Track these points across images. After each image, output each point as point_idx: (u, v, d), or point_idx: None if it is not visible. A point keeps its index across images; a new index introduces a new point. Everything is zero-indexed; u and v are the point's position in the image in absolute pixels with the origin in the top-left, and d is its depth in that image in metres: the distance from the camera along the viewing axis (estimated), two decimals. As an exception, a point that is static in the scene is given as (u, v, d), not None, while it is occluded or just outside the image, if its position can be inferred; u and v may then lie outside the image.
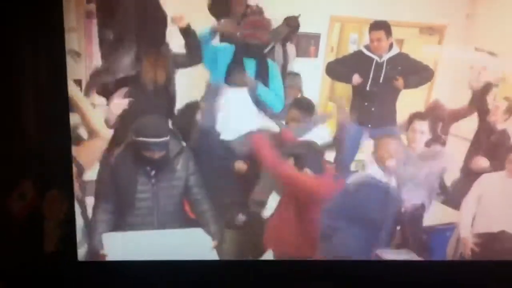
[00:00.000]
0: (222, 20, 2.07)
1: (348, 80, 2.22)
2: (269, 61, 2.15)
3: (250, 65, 2.13)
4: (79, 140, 2.00)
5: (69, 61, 1.88)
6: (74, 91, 1.93)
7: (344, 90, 2.28)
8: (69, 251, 1.99)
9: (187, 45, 2.01)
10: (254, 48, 2.10)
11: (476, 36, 2.29)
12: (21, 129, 1.89)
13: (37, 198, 1.94)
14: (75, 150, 1.95)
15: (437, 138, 2.28)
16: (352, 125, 2.21)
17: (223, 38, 2.10)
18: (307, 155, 2.01)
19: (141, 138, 2.00)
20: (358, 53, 2.21)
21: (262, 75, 2.14)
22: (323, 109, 2.36)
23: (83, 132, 2.00)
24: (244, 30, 2.08)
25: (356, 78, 2.19)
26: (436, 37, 2.27)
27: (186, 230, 2.14)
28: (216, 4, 2.07)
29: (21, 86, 1.86)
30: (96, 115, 1.99)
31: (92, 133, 1.99)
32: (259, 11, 2.07)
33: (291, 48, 2.19)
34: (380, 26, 2.13)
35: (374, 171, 2.13)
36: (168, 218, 2.12)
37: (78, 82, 1.97)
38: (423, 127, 2.17)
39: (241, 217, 2.23)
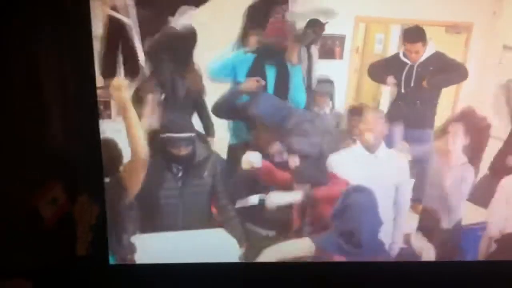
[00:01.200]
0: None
1: (383, 81, 2.22)
2: (289, 65, 2.15)
3: (270, 72, 2.14)
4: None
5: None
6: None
7: (370, 91, 2.26)
8: (100, 255, 2.01)
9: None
10: (275, 54, 2.11)
11: (504, 33, 2.24)
12: (51, 133, 1.93)
13: (68, 202, 1.96)
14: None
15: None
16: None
17: (247, 49, 2.12)
18: None
19: (167, 134, 2.03)
20: (395, 57, 2.20)
21: (283, 80, 2.15)
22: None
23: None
24: (268, 38, 2.09)
25: (391, 79, 2.18)
26: (464, 36, 2.24)
27: (213, 230, 2.16)
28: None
29: (50, 91, 1.89)
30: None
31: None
32: (282, 14, 2.07)
33: (315, 50, 2.18)
34: (417, 38, 2.12)
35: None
36: (195, 219, 2.14)
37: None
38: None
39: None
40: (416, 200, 2.33)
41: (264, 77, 2.14)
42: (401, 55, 2.19)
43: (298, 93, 2.19)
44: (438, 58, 2.17)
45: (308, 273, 2.14)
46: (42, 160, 1.91)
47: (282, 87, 2.17)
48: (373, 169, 2.15)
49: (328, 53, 2.20)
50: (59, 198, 1.97)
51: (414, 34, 2.12)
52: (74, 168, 1.95)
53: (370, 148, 2.14)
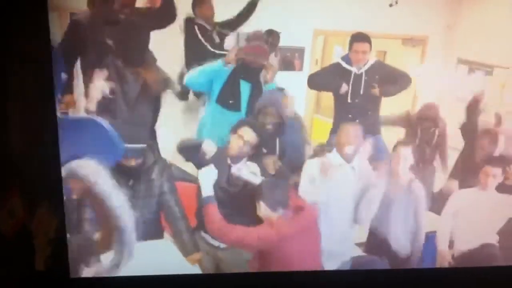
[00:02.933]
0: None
1: (331, 89, 2.23)
2: (263, 82, 2.16)
3: (244, 87, 2.15)
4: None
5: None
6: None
7: (329, 102, 2.29)
8: (60, 268, 1.96)
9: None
10: (251, 71, 2.12)
11: (458, 46, 2.32)
12: (9, 143, 1.88)
13: (26, 215, 1.91)
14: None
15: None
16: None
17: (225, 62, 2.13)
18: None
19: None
20: (336, 65, 2.21)
21: (256, 96, 2.16)
22: (309, 122, 2.37)
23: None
24: (246, 54, 2.10)
25: (345, 87, 2.20)
26: (419, 48, 2.30)
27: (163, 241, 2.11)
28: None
29: (9, 105, 1.86)
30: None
31: None
32: (259, 36, 2.11)
33: (274, 61, 2.20)
34: (366, 39, 2.14)
35: (333, 156, 2.08)
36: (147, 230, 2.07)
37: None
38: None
39: None
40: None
41: (238, 92, 2.15)
42: (342, 62, 2.20)
43: None
44: (381, 67, 2.21)
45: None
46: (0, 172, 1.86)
47: (254, 103, 2.16)
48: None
49: (288, 64, 2.22)
50: (17, 211, 1.91)
51: (361, 36, 2.15)
52: (33, 181, 1.90)
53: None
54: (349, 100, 2.19)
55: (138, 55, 2.04)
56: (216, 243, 2.08)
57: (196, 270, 2.05)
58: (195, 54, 2.13)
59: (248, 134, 2.01)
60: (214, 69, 2.11)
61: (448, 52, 2.34)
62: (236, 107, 2.15)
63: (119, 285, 1.99)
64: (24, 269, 1.89)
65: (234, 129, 2.02)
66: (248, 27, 2.12)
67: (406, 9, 2.17)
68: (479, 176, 2.14)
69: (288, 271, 1.96)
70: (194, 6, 2.09)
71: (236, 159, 2.03)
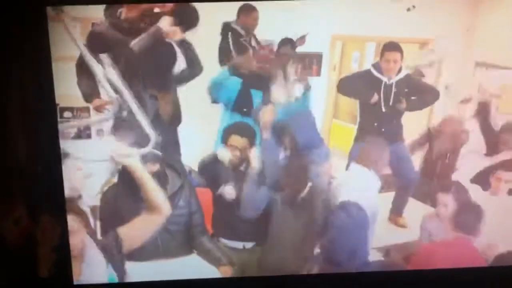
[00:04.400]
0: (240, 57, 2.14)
1: (360, 97, 2.25)
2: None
3: (256, 96, 2.18)
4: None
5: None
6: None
7: (348, 107, 2.29)
8: (64, 275, 1.97)
9: (186, 57, 2.05)
10: (261, 79, 2.14)
11: (477, 50, 2.30)
12: (13, 154, 1.91)
13: (31, 223, 1.94)
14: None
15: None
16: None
17: (234, 72, 2.15)
18: None
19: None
20: (367, 72, 2.23)
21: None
22: (327, 127, 2.36)
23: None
24: (256, 63, 2.13)
25: (375, 97, 2.22)
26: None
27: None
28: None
29: (12, 113, 1.89)
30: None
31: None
32: (270, 48, 2.13)
33: (291, 70, 2.21)
34: (398, 48, 2.17)
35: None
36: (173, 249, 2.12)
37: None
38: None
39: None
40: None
41: (250, 102, 2.17)
42: (373, 71, 2.23)
43: None
44: (411, 80, 2.23)
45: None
46: (4, 180, 1.88)
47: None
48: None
49: (306, 70, 2.23)
50: (22, 219, 1.94)
51: (393, 45, 2.18)
52: (37, 188, 1.93)
53: None
54: (382, 109, 2.22)
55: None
56: (239, 245, 2.10)
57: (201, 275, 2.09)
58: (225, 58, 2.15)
59: (239, 141, 2.04)
60: (222, 79, 2.13)
61: (466, 56, 2.32)
62: (249, 114, 2.18)
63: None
64: (28, 276, 1.94)
65: (225, 141, 2.08)
66: (264, 34, 2.13)
67: (423, 13, 2.16)
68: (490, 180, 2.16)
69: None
70: (240, 13, 2.10)
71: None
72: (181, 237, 2.13)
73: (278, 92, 2.15)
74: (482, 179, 2.22)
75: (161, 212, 2.01)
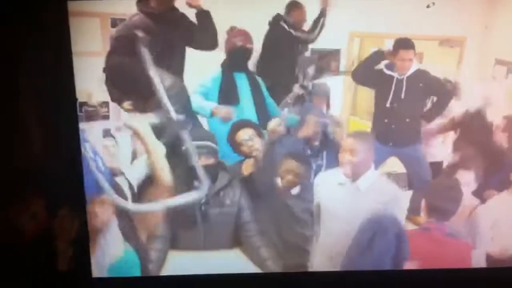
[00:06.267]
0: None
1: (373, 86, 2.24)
2: (257, 77, 2.19)
3: (241, 81, 2.16)
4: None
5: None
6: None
7: (366, 104, 2.28)
8: (83, 268, 1.98)
9: (202, 27, 2.01)
10: (240, 58, 2.13)
11: (496, 47, 2.28)
12: (31, 149, 1.92)
13: (49, 217, 1.94)
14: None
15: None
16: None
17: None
18: None
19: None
20: (379, 72, 2.21)
21: (256, 89, 2.18)
22: (345, 123, 2.35)
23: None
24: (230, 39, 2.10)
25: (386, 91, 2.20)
26: (457, 50, 2.27)
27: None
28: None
29: (32, 107, 1.90)
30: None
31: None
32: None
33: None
34: (411, 45, 2.15)
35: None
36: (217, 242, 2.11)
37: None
38: None
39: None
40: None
41: (234, 87, 2.16)
42: (385, 70, 2.21)
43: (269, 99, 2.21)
44: (424, 75, 2.21)
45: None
46: (22, 175, 1.89)
47: (257, 94, 2.19)
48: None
49: (325, 67, 2.22)
50: (40, 213, 1.94)
51: (407, 42, 2.15)
52: (55, 182, 1.93)
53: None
54: (387, 105, 2.19)
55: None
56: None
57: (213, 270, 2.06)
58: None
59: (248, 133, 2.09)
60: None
61: (486, 53, 2.30)
62: (235, 101, 2.17)
63: (142, 285, 2.00)
64: (47, 270, 1.94)
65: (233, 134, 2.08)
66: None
67: (443, 10, 2.15)
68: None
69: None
70: (289, 8, 2.12)
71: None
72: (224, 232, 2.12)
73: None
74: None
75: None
